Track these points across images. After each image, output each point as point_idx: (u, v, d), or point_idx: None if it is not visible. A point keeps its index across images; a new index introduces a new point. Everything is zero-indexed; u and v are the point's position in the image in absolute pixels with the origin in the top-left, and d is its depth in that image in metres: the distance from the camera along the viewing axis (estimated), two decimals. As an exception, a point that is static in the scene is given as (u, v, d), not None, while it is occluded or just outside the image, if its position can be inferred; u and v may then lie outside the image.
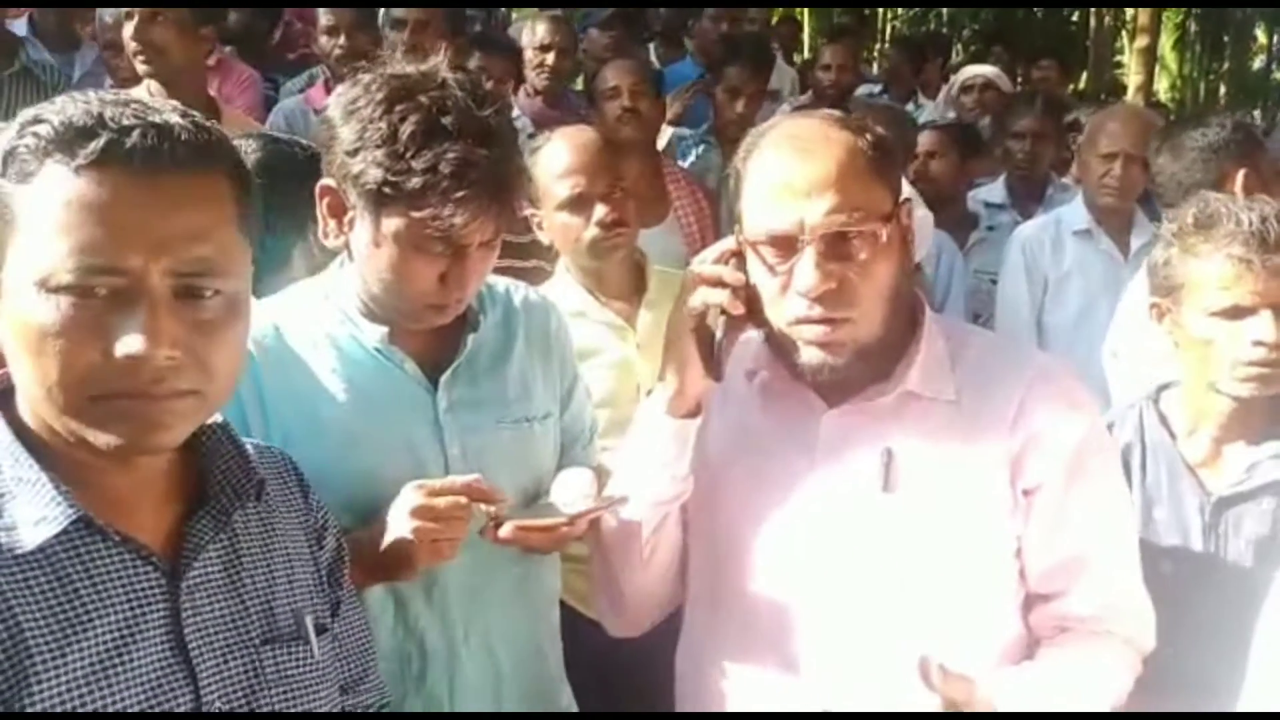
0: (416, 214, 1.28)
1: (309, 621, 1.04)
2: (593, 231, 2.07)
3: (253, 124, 3.04)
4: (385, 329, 1.41)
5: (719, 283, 1.29)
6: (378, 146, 1.27)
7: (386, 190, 1.28)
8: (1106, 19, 14.60)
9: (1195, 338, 1.65)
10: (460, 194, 1.27)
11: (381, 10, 3.53)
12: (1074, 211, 3.15)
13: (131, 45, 2.82)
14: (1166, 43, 16.20)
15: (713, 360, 1.31)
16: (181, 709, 0.92)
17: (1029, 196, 3.81)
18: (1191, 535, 1.68)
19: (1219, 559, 1.66)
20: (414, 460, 1.39)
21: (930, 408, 1.30)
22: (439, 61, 1.35)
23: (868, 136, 1.26)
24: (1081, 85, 11.92)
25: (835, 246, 1.22)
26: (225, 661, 0.96)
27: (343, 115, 1.32)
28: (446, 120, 1.28)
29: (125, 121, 0.86)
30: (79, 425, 0.88)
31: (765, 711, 1.33)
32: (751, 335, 1.35)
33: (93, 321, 0.85)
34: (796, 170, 1.23)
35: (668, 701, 1.49)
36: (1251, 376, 1.60)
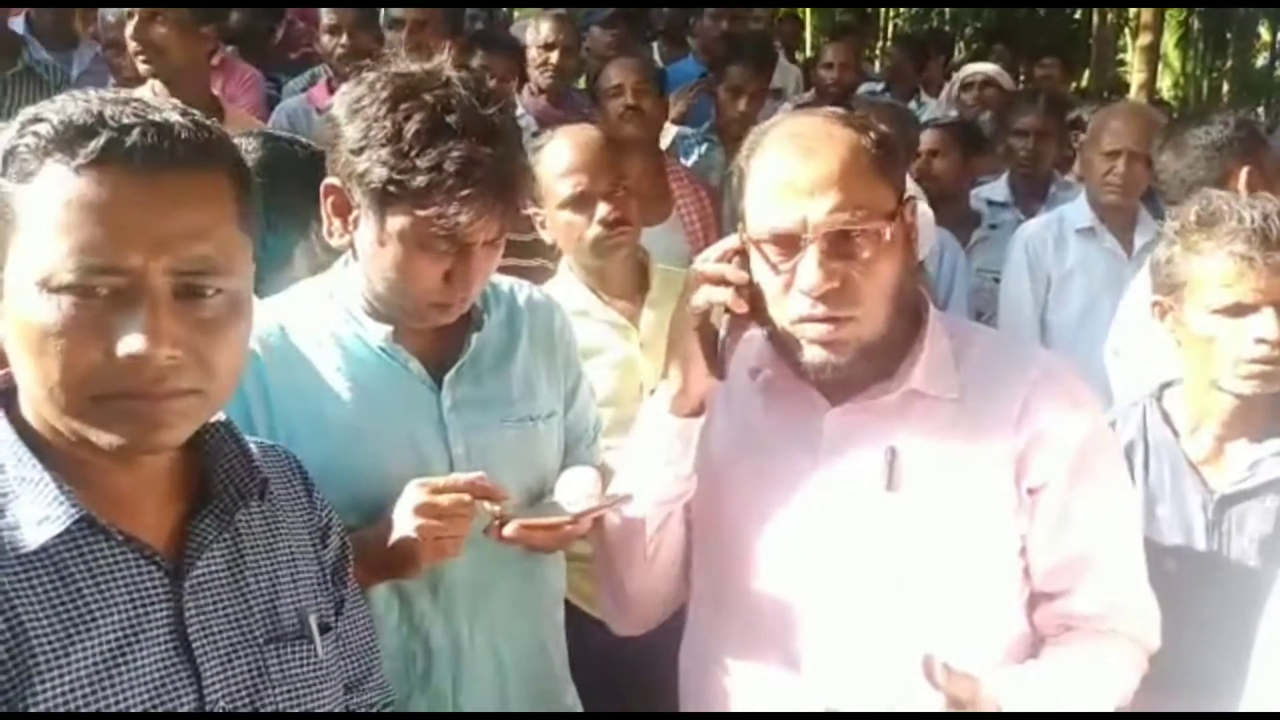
0: (421, 212, 1.28)
1: (313, 620, 1.04)
2: (595, 230, 2.07)
3: (256, 123, 3.04)
4: (390, 328, 1.41)
5: (722, 281, 1.28)
6: (382, 145, 1.27)
7: (391, 189, 1.28)
8: (1109, 17, 14.58)
9: (1197, 335, 1.65)
10: (465, 192, 1.27)
11: (383, 9, 3.53)
12: (1077, 209, 3.15)
13: (132, 45, 2.82)
14: (1169, 40, 16.18)
15: (716, 359, 1.31)
16: (185, 708, 0.92)
17: (1032, 194, 3.81)
18: (1194, 533, 1.68)
19: (1222, 557, 1.66)
20: (418, 459, 1.39)
21: (934, 406, 1.30)
22: (443, 60, 1.36)
23: (871, 134, 1.26)
24: (1084, 83, 11.91)
25: (838, 245, 1.22)
26: (229, 661, 0.96)
27: (347, 114, 1.32)
28: (451, 119, 1.28)
29: (125, 120, 0.86)
30: (81, 425, 0.88)
31: (767, 711, 1.33)
32: (755, 334, 1.35)
33: (94, 321, 0.85)
34: (799, 169, 1.23)
35: (671, 700, 1.49)
36: (1254, 374, 1.61)
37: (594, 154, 2.10)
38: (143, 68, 2.83)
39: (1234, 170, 2.39)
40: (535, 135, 2.30)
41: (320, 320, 1.43)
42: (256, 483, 1.01)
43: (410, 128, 1.27)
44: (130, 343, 0.85)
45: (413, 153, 1.26)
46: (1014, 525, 1.30)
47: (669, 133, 3.81)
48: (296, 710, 1.00)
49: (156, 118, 0.88)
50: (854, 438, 1.31)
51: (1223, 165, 2.40)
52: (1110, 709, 1.31)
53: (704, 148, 3.79)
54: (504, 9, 6.44)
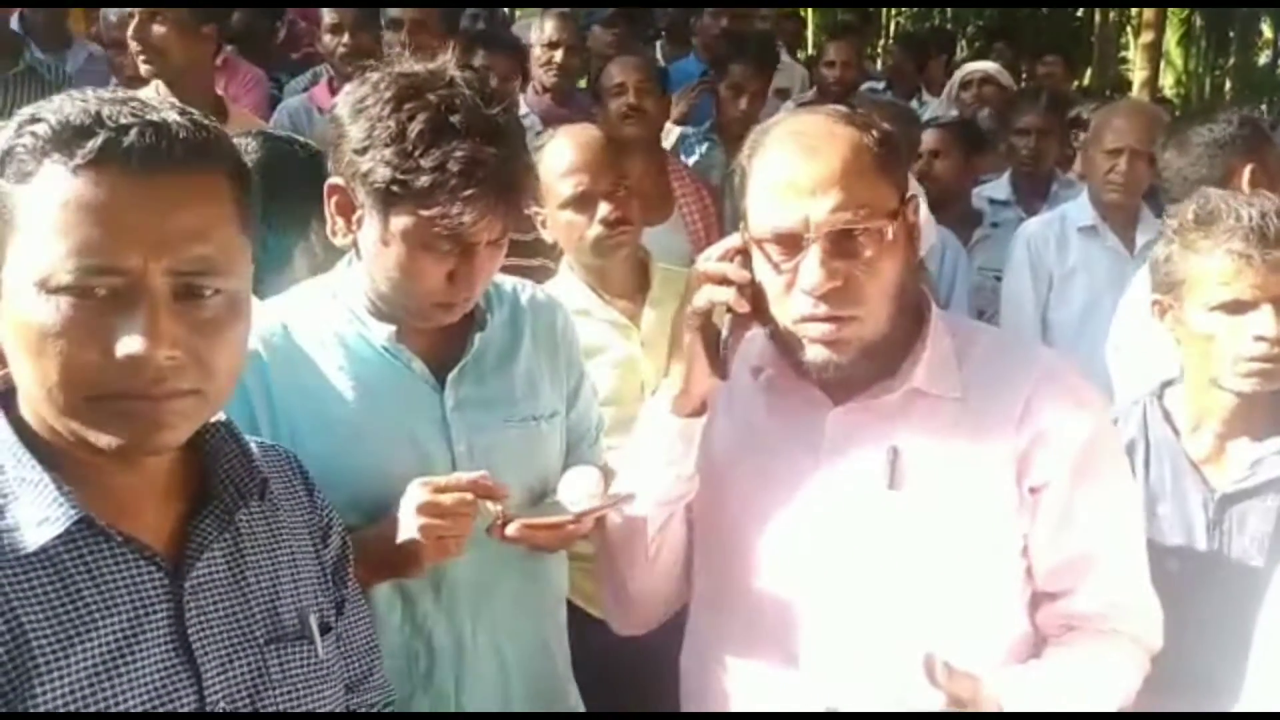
0: (425, 212, 1.28)
1: (313, 620, 1.04)
2: (596, 230, 2.07)
3: (259, 123, 3.05)
4: (393, 327, 1.41)
5: (724, 281, 1.28)
6: (386, 145, 1.27)
7: (395, 189, 1.28)
8: (1111, 15, 14.56)
9: (1197, 334, 1.65)
10: (468, 192, 1.27)
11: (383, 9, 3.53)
12: (1079, 208, 3.15)
13: (133, 45, 2.82)
14: (1172, 38, 16.16)
15: (718, 359, 1.31)
16: (185, 709, 0.91)
17: (1034, 193, 3.80)
18: (1195, 532, 1.68)
19: (1223, 556, 1.66)
20: (420, 458, 1.40)
21: (936, 405, 1.30)
22: (447, 60, 1.36)
23: (873, 133, 1.26)
24: (1086, 81, 11.89)
25: (840, 244, 1.21)
26: (229, 661, 0.96)
27: (351, 114, 1.32)
28: (455, 119, 1.28)
29: (123, 120, 0.86)
30: (80, 426, 0.88)
31: (767, 711, 1.33)
32: (757, 333, 1.34)
33: (93, 322, 0.85)
34: (801, 167, 1.23)
35: (673, 700, 1.49)
36: (1253, 372, 1.61)
37: (595, 154, 2.10)
38: (144, 68, 2.82)
39: (1237, 168, 2.39)
40: (539, 134, 2.30)
41: (323, 320, 1.43)
42: (257, 483, 1.01)
43: (414, 128, 1.27)
44: (129, 344, 0.84)
45: (417, 153, 1.27)
46: (1016, 525, 1.30)
47: (671, 132, 3.81)
48: (297, 711, 1.00)
49: (154, 118, 0.87)
50: (856, 437, 1.31)
51: (1226, 163, 2.40)
52: (1112, 709, 1.31)
53: (705, 147, 3.78)
54: (505, 9, 6.43)
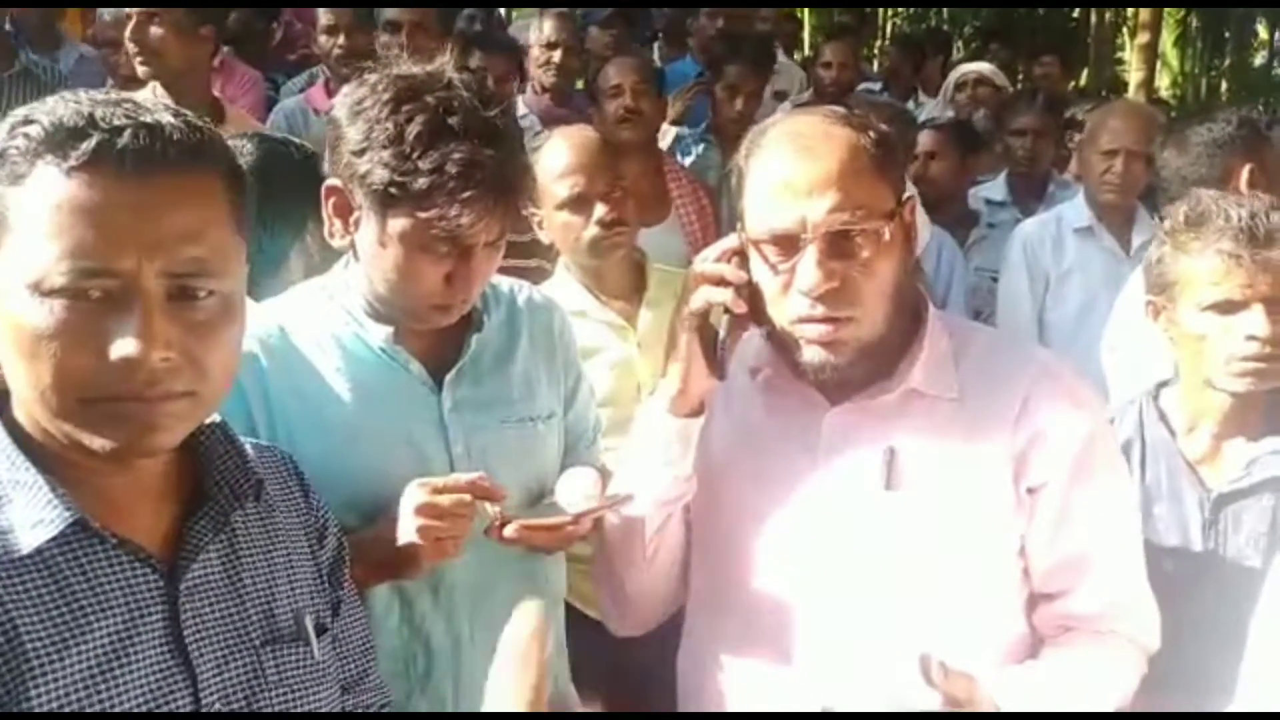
0: (423, 214, 1.28)
1: (309, 622, 1.04)
2: (593, 231, 2.07)
3: (256, 125, 3.04)
4: (390, 329, 1.41)
5: (721, 281, 1.28)
6: (384, 147, 1.27)
7: (393, 190, 1.28)
8: (1108, 15, 14.57)
9: (1189, 334, 1.66)
10: (466, 194, 1.27)
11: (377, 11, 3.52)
12: (1075, 209, 3.15)
13: (130, 46, 2.82)
14: (1168, 39, 16.17)
15: (715, 359, 1.31)
16: (181, 711, 0.91)
17: (1030, 194, 3.81)
18: (1191, 532, 1.68)
19: (1218, 556, 1.66)
20: (418, 459, 1.39)
21: (933, 406, 1.30)
22: (445, 62, 1.36)
23: (870, 134, 1.26)
24: (1083, 82, 11.90)
25: (837, 245, 1.22)
26: (225, 663, 0.95)
27: (349, 115, 1.32)
28: (453, 121, 1.28)
29: (116, 121, 0.86)
30: (73, 428, 0.87)
31: (766, 712, 1.33)
32: (754, 334, 1.35)
33: (86, 324, 0.84)
34: (798, 168, 1.23)
35: (670, 701, 1.48)
36: (1246, 371, 1.61)
37: (591, 155, 2.10)
38: (141, 70, 2.82)
39: (1236, 168, 2.39)
40: (538, 134, 2.30)
41: (321, 321, 1.43)
42: (251, 484, 1.01)
43: (412, 129, 1.27)
44: (123, 346, 0.84)
45: (414, 154, 1.27)
46: (1013, 525, 1.30)
47: (667, 133, 3.81)
48: (293, 711, 1.00)
49: (148, 119, 0.87)
50: (853, 437, 1.31)
51: (1225, 163, 2.40)
52: (1110, 709, 1.31)
53: (701, 148, 3.78)
54: (501, 10, 6.43)
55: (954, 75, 5.06)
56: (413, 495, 1.29)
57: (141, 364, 0.85)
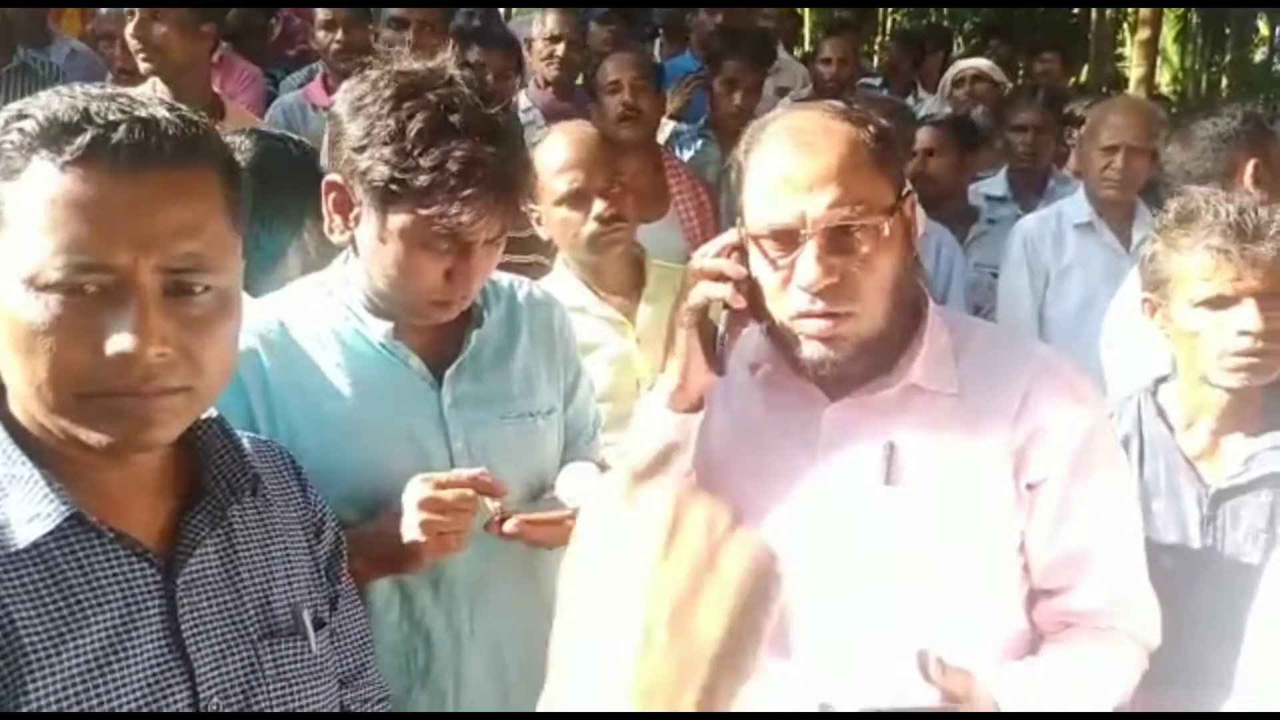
0: (423, 211, 1.28)
1: (307, 616, 1.04)
2: (591, 227, 2.07)
3: (256, 121, 3.04)
4: (390, 324, 1.41)
5: (720, 277, 1.28)
6: (385, 144, 1.27)
7: (394, 187, 1.28)
8: (1108, 12, 14.55)
9: (1184, 330, 1.66)
10: (467, 192, 1.27)
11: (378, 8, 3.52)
12: (1075, 204, 3.15)
13: (133, 43, 2.82)
14: (1168, 35, 16.15)
15: (714, 354, 1.31)
16: (178, 705, 0.91)
17: (1030, 189, 3.80)
18: (1189, 528, 1.68)
19: (1217, 552, 1.66)
20: (418, 455, 1.39)
21: (933, 401, 1.30)
22: (446, 59, 1.36)
23: (870, 129, 1.25)
24: (1083, 78, 11.89)
25: (837, 240, 1.21)
26: (222, 657, 0.95)
27: (350, 111, 1.31)
28: (454, 118, 1.28)
29: (111, 116, 0.85)
30: (70, 423, 0.87)
31: (766, 711, 1.33)
32: (754, 329, 1.34)
33: (82, 320, 0.84)
34: (797, 163, 1.23)
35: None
36: (1240, 366, 1.61)
37: (589, 151, 2.10)
38: (144, 66, 2.83)
39: (1240, 163, 2.38)
40: (541, 129, 2.30)
41: (320, 317, 1.43)
42: (249, 478, 1.01)
43: (413, 126, 1.27)
44: (119, 341, 0.84)
45: (415, 151, 1.26)
46: (1013, 521, 1.30)
47: (665, 128, 3.80)
48: (291, 706, 1.00)
49: (143, 114, 0.87)
50: (852, 433, 1.31)
51: (1229, 158, 2.40)
52: (1110, 707, 1.31)
53: (699, 143, 3.78)
54: (501, 7, 6.41)
55: (952, 71, 5.06)
56: (416, 490, 1.29)
57: (137, 359, 0.85)
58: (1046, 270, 3.10)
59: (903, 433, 1.29)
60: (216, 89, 3.16)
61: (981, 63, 5.11)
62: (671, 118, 3.93)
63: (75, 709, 0.86)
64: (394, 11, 3.35)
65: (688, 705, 0.49)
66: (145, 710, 0.90)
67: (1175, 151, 2.49)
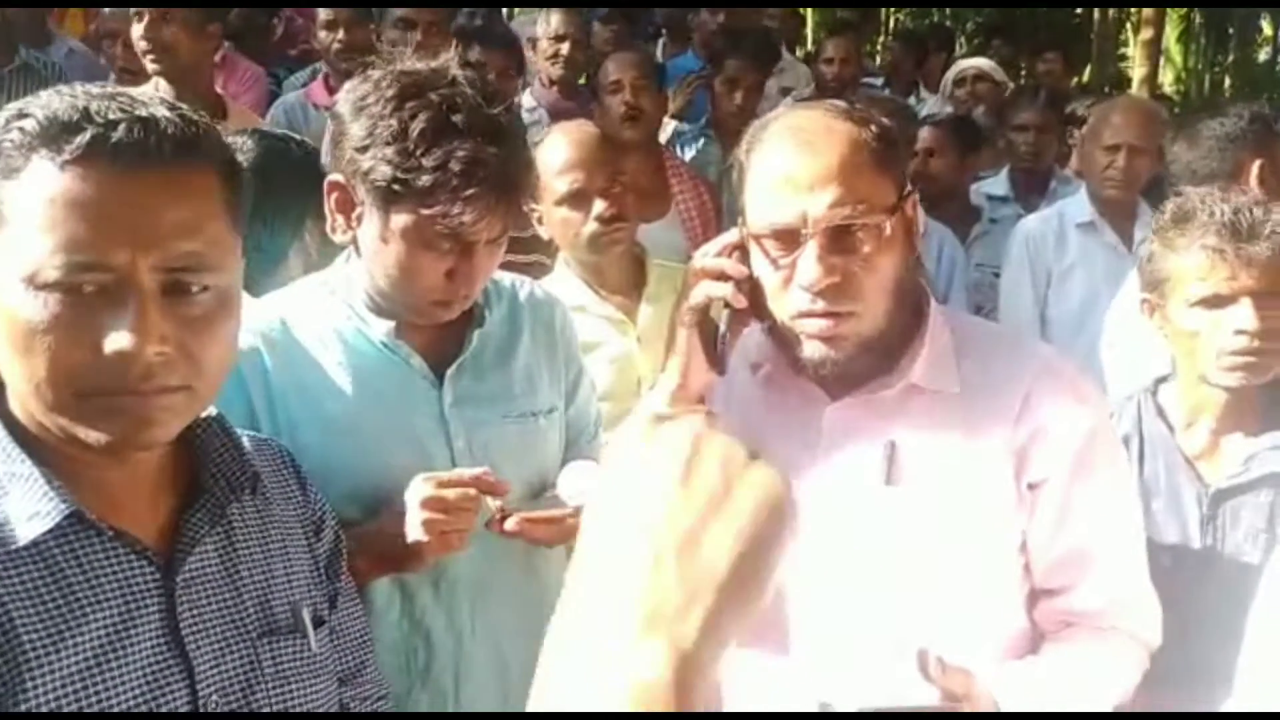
0: (426, 211, 1.28)
1: (306, 614, 1.04)
2: (592, 226, 2.07)
3: (259, 120, 3.05)
4: (392, 324, 1.41)
5: (721, 276, 1.28)
6: (388, 144, 1.27)
7: (396, 187, 1.28)
8: (1111, 12, 14.54)
9: (1182, 330, 1.67)
10: (470, 192, 1.27)
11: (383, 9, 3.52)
12: (1077, 204, 3.14)
13: (141, 44, 2.83)
14: (1171, 35, 16.14)
15: (715, 354, 1.31)
16: (177, 703, 0.91)
17: (1032, 189, 3.80)
18: (1189, 528, 1.68)
19: (1216, 552, 1.66)
20: (419, 454, 1.40)
21: (934, 401, 1.30)
22: (449, 59, 1.36)
23: (871, 128, 1.25)
24: (1086, 78, 11.88)
25: (838, 240, 1.21)
26: (222, 655, 0.95)
27: (352, 111, 1.32)
28: (457, 118, 1.28)
29: (111, 115, 0.85)
30: (69, 422, 0.88)
31: (766, 711, 1.33)
32: (755, 328, 1.34)
33: (81, 319, 0.85)
34: (799, 163, 1.22)
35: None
36: (1238, 365, 1.61)
37: (590, 150, 2.10)
38: (151, 67, 2.84)
39: (1246, 163, 2.38)
40: (545, 128, 2.30)
41: (322, 315, 1.43)
42: (248, 476, 1.01)
43: (416, 126, 1.27)
44: (118, 340, 0.84)
45: (418, 151, 1.27)
46: (1014, 521, 1.30)
47: (666, 127, 3.80)
48: (290, 704, 1.00)
49: (143, 113, 0.87)
50: (853, 432, 1.30)
51: (1235, 158, 2.40)
52: (1110, 707, 1.31)
53: (700, 143, 3.78)
54: (504, 7, 6.41)
55: (953, 71, 5.06)
56: (418, 489, 1.29)
57: (136, 358, 0.85)
58: (1048, 270, 3.09)
59: (904, 432, 1.29)
60: (219, 89, 3.17)
61: (984, 62, 5.11)
62: (673, 117, 3.93)
63: (74, 707, 0.86)
64: (401, 12, 3.35)
65: (691, 629, 0.49)
66: (144, 708, 0.90)
67: (1181, 151, 2.49)
